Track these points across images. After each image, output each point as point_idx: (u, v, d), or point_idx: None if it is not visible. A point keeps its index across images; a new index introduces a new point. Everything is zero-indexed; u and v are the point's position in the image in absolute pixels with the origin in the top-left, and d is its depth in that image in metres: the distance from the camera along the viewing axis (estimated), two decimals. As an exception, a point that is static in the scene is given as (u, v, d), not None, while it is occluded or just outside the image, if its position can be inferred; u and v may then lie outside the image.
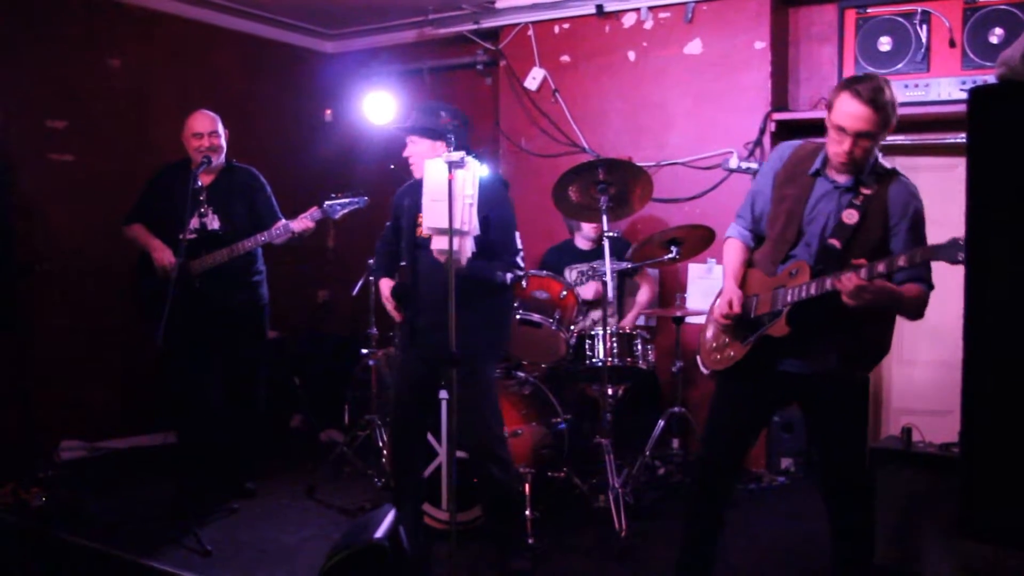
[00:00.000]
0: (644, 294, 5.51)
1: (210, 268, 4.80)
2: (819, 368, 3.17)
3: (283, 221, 4.85)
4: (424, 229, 3.62)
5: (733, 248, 3.47)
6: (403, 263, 4.07)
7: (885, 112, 3.02)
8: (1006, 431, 1.84)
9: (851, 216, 3.12)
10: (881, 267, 2.83)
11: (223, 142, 4.91)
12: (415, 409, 4.10)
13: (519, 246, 4.05)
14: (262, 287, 5.07)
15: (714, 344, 3.44)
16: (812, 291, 3.02)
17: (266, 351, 5.19)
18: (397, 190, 4.23)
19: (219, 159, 4.91)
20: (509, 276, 3.96)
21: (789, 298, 3.09)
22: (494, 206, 3.90)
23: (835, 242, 3.12)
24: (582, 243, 5.55)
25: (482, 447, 3.94)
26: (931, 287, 3.10)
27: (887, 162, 3.23)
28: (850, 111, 3.03)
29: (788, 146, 3.38)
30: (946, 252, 2.70)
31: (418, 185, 4.06)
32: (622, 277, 5.51)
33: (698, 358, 3.55)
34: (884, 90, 3.02)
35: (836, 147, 3.10)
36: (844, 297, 2.89)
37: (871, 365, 3.33)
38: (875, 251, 3.05)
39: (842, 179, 3.17)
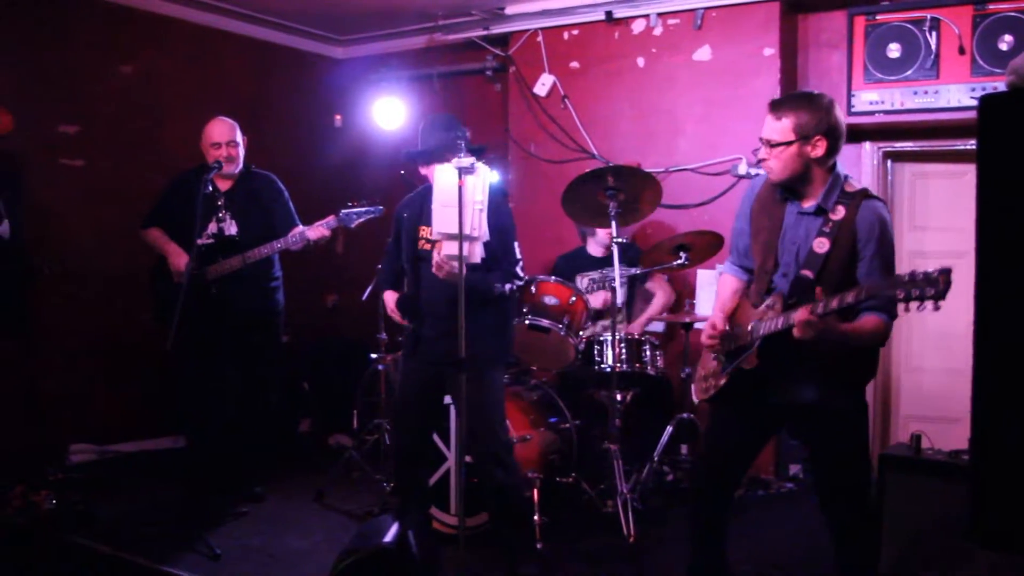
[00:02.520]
0: (659, 300, 5.50)
1: (226, 274, 4.82)
2: (798, 400, 3.14)
3: (300, 228, 4.86)
4: (433, 233, 3.64)
5: (724, 282, 3.52)
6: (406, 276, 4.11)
7: (786, 118, 3.08)
8: (1016, 438, 1.84)
9: (822, 245, 3.10)
10: (834, 303, 2.82)
11: (241, 151, 4.93)
12: (419, 415, 4.11)
13: (518, 255, 4.06)
14: (278, 293, 5.09)
15: (703, 373, 3.49)
16: (779, 325, 3.02)
17: (280, 356, 5.20)
18: (398, 203, 4.26)
19: (236, 167, 4.92)
20: (508, 286, 3.97)
21: (761, 331, 3.10)
22: (493, 214, 3.92)
23: (808, 272, 3.11)
24: (595, 250, 5.54)
25: (488, 453, 3.95)
26: (893, 317, 3.03)
27: (875, 183, 3.26)
28: (767, 124, 3.15)
29: (760, 178, 3.40)
30: (894, 288, 2.71)
31: (417, 198, 4.10)
32: (632, 284, 5.51)
33: (692, 387, 3.58)
34: (801, 103, 3.09)
35: (760, 157, 3.20)
36: (795, 331, 2.89)
37: (854, 392, 3.20)
38: (848, 279, 3.05)
39: (806, 204, 3.15)
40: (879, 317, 3.01)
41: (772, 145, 3.12)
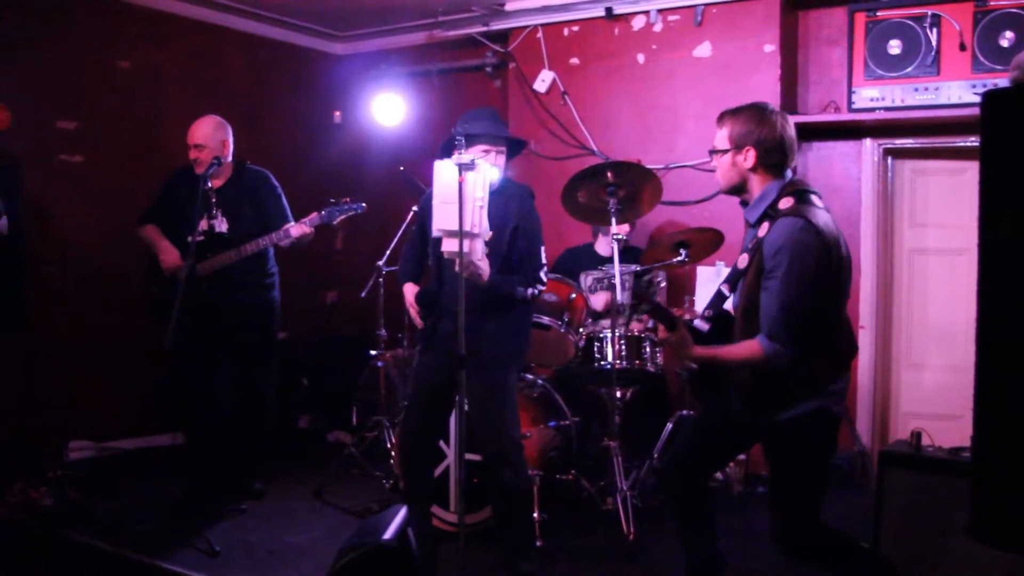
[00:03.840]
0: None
1: (217, 270, 4.81)
2: (730, 408, 3.14)
3: (288, 225, 4.86)
4: (434, 230, 3.63)
5: None
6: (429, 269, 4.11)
7: (724, 127, 3.15)
8: (1018, 436, 1.84)
9: (743, 260, 3.11)
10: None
11: (213, 155, 4.83)
12: (428, 412, 4.11)
13: (543, 260, 4.06)
14: (274, 290, 5.09)
15: None
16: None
17: (275, 353, 5.20)
18: (422, 196, 4.25)
19: (201, 169, 4.82)
20: (530, 291, 3.97)
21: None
22: (523, 217, 3.95)
23: (725, 287, 3.15)
24: (603, 248, 5.51)
25: (500, 452, 3.95)
26: (768, 341, 2.92)
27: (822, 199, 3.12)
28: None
29: None
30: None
31: None
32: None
33: None
34: (741, 113, 3.14)
35: None
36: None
37: (778, 408, 3.03)
38: (748, 300, 3.03)
39: (750, 216, 3.15)
40: (756, 340, 2.95)
41: (711, 152, 3.21)
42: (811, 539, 3.09)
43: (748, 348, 2.97)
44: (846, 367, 3.15)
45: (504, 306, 3.93)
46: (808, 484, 3.08)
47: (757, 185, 3.12)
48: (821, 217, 2.97)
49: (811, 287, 2.90)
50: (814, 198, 3.04)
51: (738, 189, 3.18)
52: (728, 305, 3.20)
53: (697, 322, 3.15)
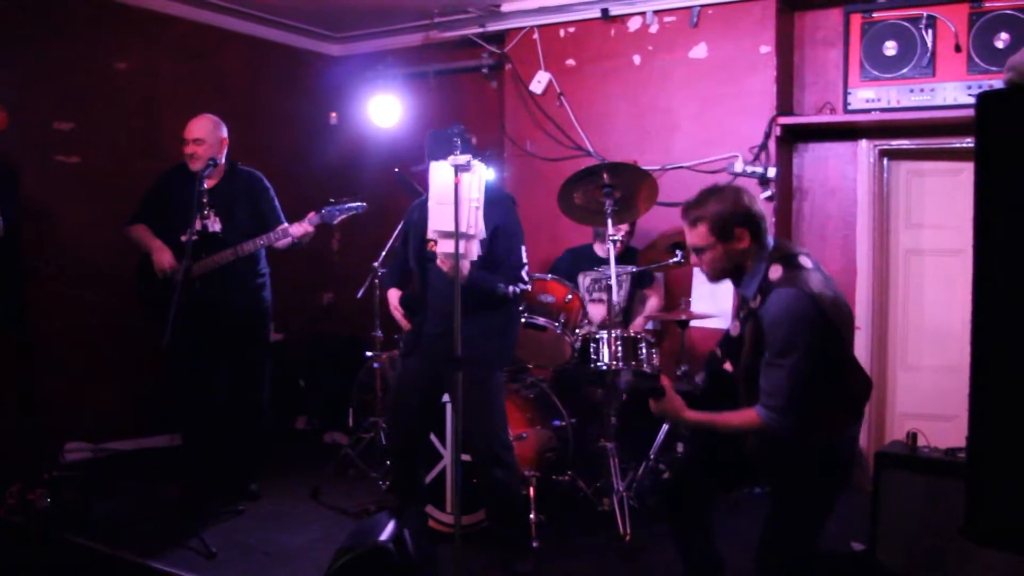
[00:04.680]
0: (653, 301, 5.52)
1: (210, 270, 4.81)
2: (748, 451, 3.12)
3: (284, 225, 4.86)
4: (430, 232, 3.63)
5: None
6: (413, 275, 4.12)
7: (703, 226, 3.04)
8: (1013, 436, 1.84)
9: (735, 328, 3.12)
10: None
11: (209, 151, 4.84)
12: (416, 414, 4.12)
13: (524, 260, 4.07)
14: (265, 290, 5.08)
15: None
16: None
17: (270, 353, 5.20)
18: (390, 201, 4.28)
19: (199, 164, 4.82)
20: (512, 289, 3.98)
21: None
22: (502, 218, 3.95)
23: (717, 349, 3.19)
24: (602, 250, 5.52)
25: (488, 452, 3.96)
26: (767, 411, 2.91)
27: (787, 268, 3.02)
28: (686, 232, 3.14)
29: None
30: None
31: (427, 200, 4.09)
32: (634, 287, 5.51)
33: None
34: (704, 204, 3.05)
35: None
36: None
37: (791, 460, 3.04)
38: (747, 369, 3.03)
39: (748, 292, 3.07)
40: (755, 410, 2.94)
41: (698, 251, 3.10)
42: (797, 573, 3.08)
43: (746, 417, 2.97)
44: (860, 411, 3.12)
45: (487, 305, 3.93)
46: (809, 523, 3.08)
47: (750, 261, 3.05)
48: (814, 280, 2.92)
49: (810, 357, 2.86)
50: (803, 259, 3.00)
51: (732, 274, 3.10)
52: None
53: (731, 326, 3.15)
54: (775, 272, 2.96)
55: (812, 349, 2.85)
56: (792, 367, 2.85)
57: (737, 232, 3.01)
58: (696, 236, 3.07)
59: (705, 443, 3.41)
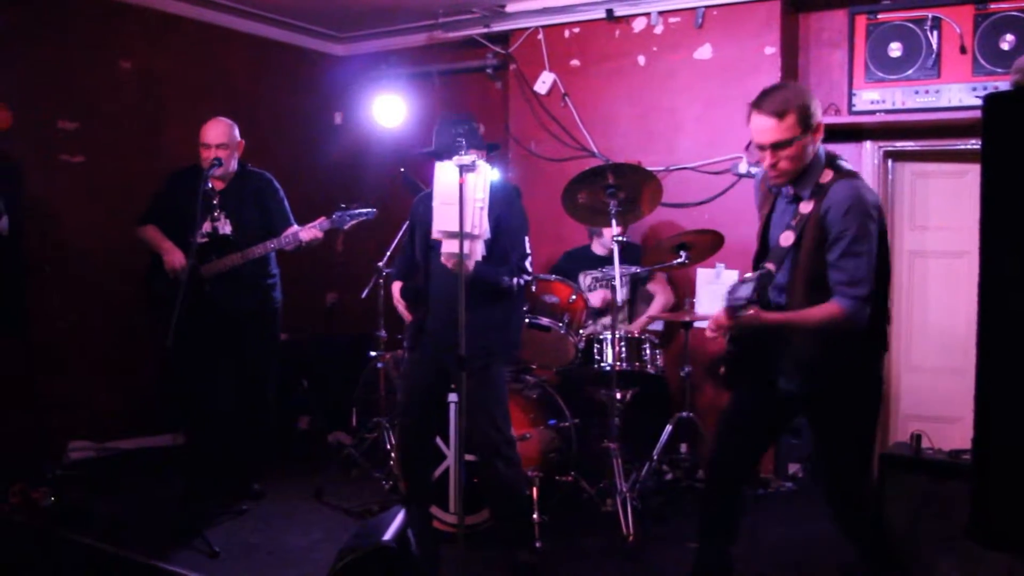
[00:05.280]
0: (659, 301, 5.52)
1: (221, 272, 4.81)
2: (782, 384, 3.16)
3: (293, 228, 4.86)
4: (434, 232, 3.63)
5: None
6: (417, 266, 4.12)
7: (791, 116, 3.04)
8: (1018, 438, 1.84)
9: (787, 238, 3.11)
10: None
11: (232, 155, 4.89)
12: (422, 412, 4.11)
13: (528, 251, 4.06)
14: (275, 290, 5.08)
15: None
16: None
17: (277, 354, 5.20)
18: (395, 200, 4.28)
19: (229, 167, 4.88)
20: (516, 281, 3.97)
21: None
22: (505, 209, 3.94)
23: (770, 265, 3.13)
24: (599, 249, 5.54)
25: (490, 446, 3.95)
26: (850, 300, 2.97)
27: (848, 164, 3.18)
28: (758, 126, 3.10)
29: (760, 170, 3.39)
30: None
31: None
32: (635, 284, 5.51)
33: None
34: (786, 96, 3.07)
35: (765, 165, 3.15)
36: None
37: (836, 378, 3.12)
38: (808, 273, 3.05)
39: (804, 192, 3.12)
40: (835, 301, 3.00)
41: (778, 146, 3.07)
42: (863, 488, 3.23)
43: (827, 310, 3.00)
44: (888, 338, 3.27)
45: (490, 297, 3.92)
46: (862, 435, 3.20)
47: (813, 161, 3.11)
48: (863, 180, 3.09)
49: (878, 241, 3.01)
50: (845, 165, 3.13)
51: (801, 171, 3.12)
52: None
53: (782, 236, 3.15)
54: (826, 176, 3.07)
55: (879, 239, 3.01)
56: (869, 252, 2.97)
57: (816, 126, 3.08)
58: (782, 129, 3.05)
59: (731, 418, 3.42)
